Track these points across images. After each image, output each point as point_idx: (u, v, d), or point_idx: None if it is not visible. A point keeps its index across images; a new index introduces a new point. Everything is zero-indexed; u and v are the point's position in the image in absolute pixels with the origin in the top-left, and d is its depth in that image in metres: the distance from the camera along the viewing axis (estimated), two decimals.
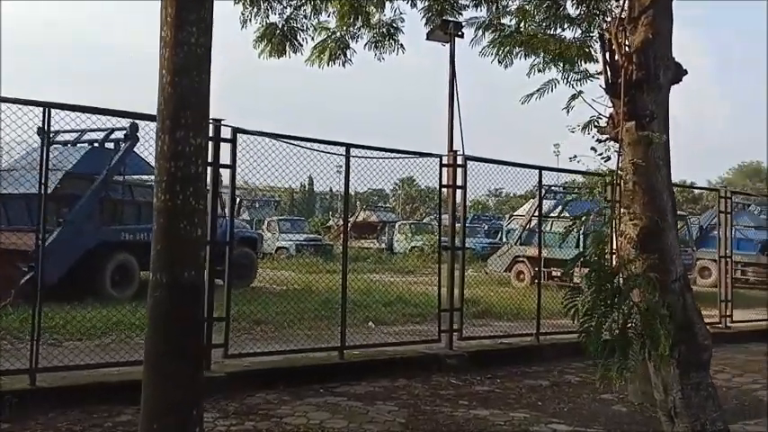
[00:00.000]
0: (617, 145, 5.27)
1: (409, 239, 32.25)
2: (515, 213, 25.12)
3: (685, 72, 5.45)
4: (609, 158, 5.25)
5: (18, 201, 12.98)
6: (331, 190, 46.74)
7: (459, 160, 9.10)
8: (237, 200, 24.72)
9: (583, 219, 5.56)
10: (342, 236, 31.59)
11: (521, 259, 20.76)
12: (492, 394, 7.71)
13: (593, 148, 5.20)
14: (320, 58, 8.93)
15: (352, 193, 44.56)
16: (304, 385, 7.32)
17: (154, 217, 4.68)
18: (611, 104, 5.32)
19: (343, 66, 8.95)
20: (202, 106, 4.71)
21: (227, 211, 10.46)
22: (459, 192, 9.33)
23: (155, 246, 4.66)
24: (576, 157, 5.34)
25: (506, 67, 8.63)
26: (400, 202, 58.72)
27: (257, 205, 33.53)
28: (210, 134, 7.10)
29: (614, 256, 5.42)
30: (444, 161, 9.06)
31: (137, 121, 11.02)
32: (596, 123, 5.47)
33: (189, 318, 4.59)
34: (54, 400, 6.14)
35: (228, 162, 7.28)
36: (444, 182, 9.13)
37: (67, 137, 14.46)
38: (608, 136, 5.37)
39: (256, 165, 7.78)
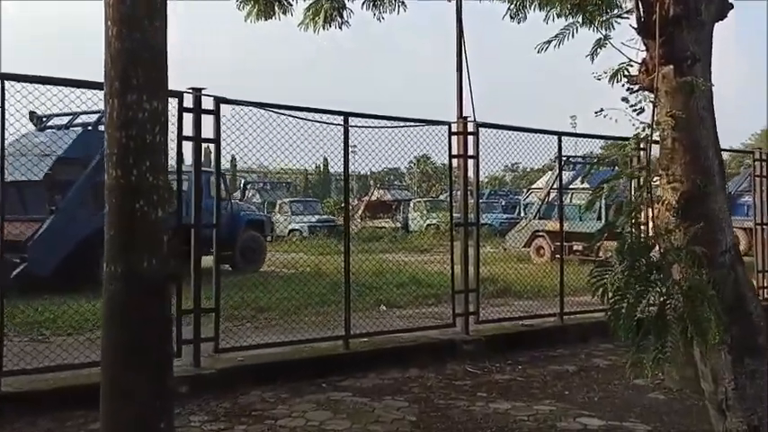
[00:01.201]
0: (652, 96, 4.47)
1: (424, 217, 31.58)
2: (533, 186, 24.27)
3: (731, 6, 4.62)
4: (642, 110, 4.44)
5: (8, 189, 12.34)
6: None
7: (471, 127, 8.30)
8: (242, 181, 24.26)
9: (610, 183, 4.77)
10: (356, 216, 30.98)
11: (540, 234, 20.00)
12: (513, 383, 6.99)
13: (624, 99, 4.39)
14: (314, 21, 8.16)
15: (367, 173, 43.98)
16: (305, 380, 6.64)
17: (105, 197, 3.98)
18: (643, 48, 4.52)
19: (340, 28, 8.18)
20: (158, 63, 3.97)
21: (210, 191, 9.89)
22: (471, 164, 8.52)
23: (107, 231, 3.97)
24: (602, 111, 4.52)
25: (519, 21, 7.81)
26: (416, 180, 57.93)
27: (268, 187, 32.90)
28: (191, 105, 6.40)
29: (650, 226, 4.65)
30: (454, 129, 8.26)
31: None
32: (626, 72, 4.66)
33: (151, 315, 3.89)
34: (22, 406, 5.49)
35: (212, 136, 6.54)
36: (454, 152, 8.34)
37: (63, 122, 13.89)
38: (641, 85, 4.57)
39: (250, 140, 7.00)
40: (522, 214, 24.37)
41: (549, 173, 20.81)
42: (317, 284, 11.64)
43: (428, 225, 30.43)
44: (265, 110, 6.82)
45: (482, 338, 8.09)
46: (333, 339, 7.50)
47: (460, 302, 8.31)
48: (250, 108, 6.72)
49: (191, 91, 6.33)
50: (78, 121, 13.63)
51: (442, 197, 38.76)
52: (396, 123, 7.84)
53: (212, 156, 7.06)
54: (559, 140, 9.37)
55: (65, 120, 13.79)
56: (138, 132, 3.85)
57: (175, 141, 6.41)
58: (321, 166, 50.76)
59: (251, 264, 16.06)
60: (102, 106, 6.76)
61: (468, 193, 8.68)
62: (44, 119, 13.93)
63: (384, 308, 11.29)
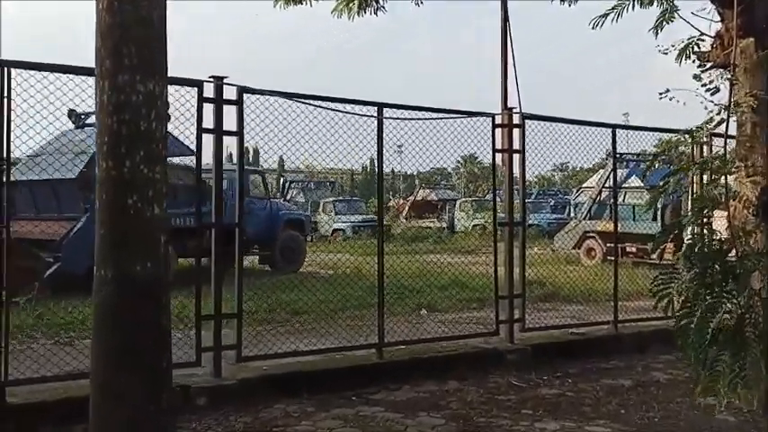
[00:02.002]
0: (728, 75, 3.82)
1: (470, 217, 30.91)
2: (584, 185, 23.37)
3: None
4: (717, 90, 3.79)
5: (44, 187, 12.22)
6: (393, 171, 45.83)
7: (516, 119, 7.67)
8: (282, 179, 23.98)
9: (676, 177, 4.13)
10: (401, 216, 30.50)
11: (591, 235, 19.16)
12: (562, 399, 6.34)
13: (696, 76, 3.75)
14: (348, 7, 7.67)
15: (413, 173, 43.26)
16: (333, 392, 6.12)
17: (96, 191, 3.54)
18: (717, 18, 3.88)
19: (375, 14, 7.68)
20: (154, 40, 3.52)
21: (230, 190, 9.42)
22: (516, 160, 7.88)
23: (98, 229, 3.53)
24: (667, 92, 3.89)
25: (570, 3, 7.19)
26: (463, 180, 57.16)
27: (312, 186, 32.64)
28: (212, 95, 5.95)
29: (723, 226, 4.00)
30: (498, 121, 7.64)
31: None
32: (696, 46, 4.02)
33: (144, 320, 3.45)
34: (29, 417, 5.10)
35: (234, 128, 6.08)
36: (498, 145, 7.72)
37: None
38: (714, 62, 3.92)
39: (276, 132, 6.49)
40: (572, 214, 23.50)
41: (601, 171, 19.94)
42: (356, 286, 11.16)
43: (474, 225, 29.85)
44: (293, 100, 6.33)
45: (528, 348, 7.45)
46: (365, 348, 6.97)
47: (504, 308, 7.69)
48: (276, 99, 6.24)
49: (211, 80, 5.88)
50: None
51: (488, 197, 38.08)
52: (433, 115, 7.27)
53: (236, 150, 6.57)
54: (613, 133, 8.65)
55: None
56: (131, 118, 3.40)
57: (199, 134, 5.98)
58: (367, 165, 50.53)
59: (290, 264, 15.69)
60: None
61: (515, 191, 8.05)
62: (83, 116, 13.80)
63: (425, 312, 10.75)
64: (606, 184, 18.47)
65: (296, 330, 8.89)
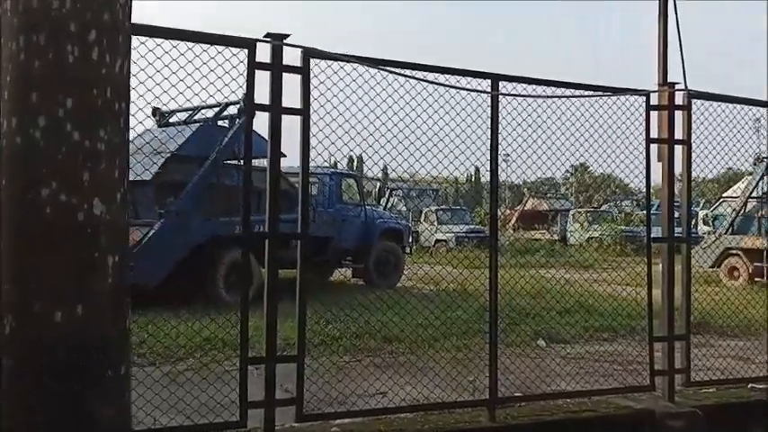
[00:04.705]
0: None
1: (586, 229, 28.45)
2: (725, 195, 20.57)
3: None
4: None
5: None
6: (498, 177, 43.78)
7: (679, 98, 5.72)
8: (379, 186, 22.51)
9: None
10: (508, 226, 28.65)
11: (734, 252, 16.53)
12: None
13: None
14: None
15: (520, 182, 41.06)
16: None
17: None
18: None
19: None
20: None
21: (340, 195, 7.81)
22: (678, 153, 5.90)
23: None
24: None
25: None
26: (572, 188, 54.30)
27: (414, 194, 31.09)
28: (268, 59, 4.40)
29: None
30: (653, 101, 5.71)
31: None
32: None
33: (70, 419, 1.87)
34: None
35: (299, 105, 4.51)
36: (654, 134, 5.76)
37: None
38: None
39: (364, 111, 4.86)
40: (706, 228, 20.80)
41: (748, 177, 17.23)
42: (461, 307, 9.46)
43: (589, 238, 27.44)
44: (378, 69, 4.70)
45: (697, 411, 5.41)
46: (471, 405, 5.19)
47: (659, 351, 5.72)
48: (354, 67, 4.63)
49: (267, 39, 4.34)
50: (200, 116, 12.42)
51: (604, 207, 35.26)
52: (564, 91, 5.43)
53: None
54: None
55: (187, 115, 12.67)
56: (49, 42, 1.84)
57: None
58: (472, 173, 48.77)
59: (386, 278, 14.14)
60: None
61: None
62: (167, 114, 12.88)
63: (543, 343, 8.91)
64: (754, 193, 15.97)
65: (385, 364, 7.29)
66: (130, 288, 2.16)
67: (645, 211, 6.18)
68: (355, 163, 34.92)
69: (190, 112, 12.35)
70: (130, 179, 9.14)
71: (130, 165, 8.96)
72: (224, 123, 11.96)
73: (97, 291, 1.93)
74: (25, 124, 1.84)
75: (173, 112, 12.79)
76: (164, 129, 12.37)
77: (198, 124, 11.99)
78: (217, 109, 11.89)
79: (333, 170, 14.69)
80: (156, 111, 12.64)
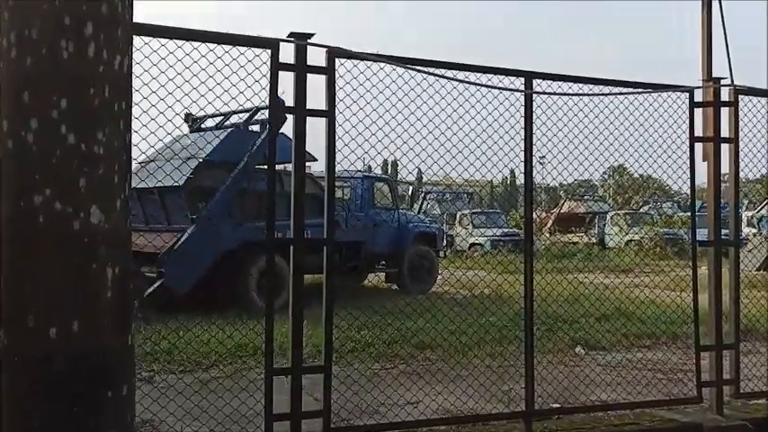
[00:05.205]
0: None
1: (624, 232, 27.81)
2: None
3: None
4: None
5: (151, 195, 11.24)
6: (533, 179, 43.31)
7: (725, 95, 5.43)
8: (412, 190, 22.32)
9: None
10: (544, 229, 28.18)
11: None
12: None
13: None
14: None
15: (556, 185, 40.52)
16: None
17: None
18: None
19: None
20: None
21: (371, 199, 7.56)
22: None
23: None
24: None
25: None
26: (610, 191, 53.29)
27: (448, 197, 30.76)
28: (292, 60, 4.26)
29: None
30: (698, 97, 5.43)
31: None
32: None
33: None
34: None
35: (324, 107, 4.35)
36: (698, 131, 5.48)
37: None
38: None
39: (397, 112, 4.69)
40: (752, 230, 20.14)
41: None
42: (496, 313, 9.20)
43: (628, 241, 26.80)
44: (406, 68, 4.52)
45: (747, 425, 5.12)
46: (506, 417, 4.97)
47: (705, 361, 5.44)
48: (381, 67, 4.46)
49: (291, 39, 4.20)
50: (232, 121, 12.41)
51: (644, 209, 34.44)
52: (602, 88, 5.18)
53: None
54: None
55: (219, 120, 12.68)
56: (39, 35, 1.71)
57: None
58: (507, 177, 48.23)
59: (419, 283, 13.92)
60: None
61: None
62: (199, 119, 12.89)
63: (581, 350, 8.63)
64: None
65: (417, 372, 7.10)
66: (132, 303, 2.00)
67: (687, 213, 5.91)
68: (389, 167, 34.84)
69: (221, 117, 12.34)
70: (165, 185, 9.08)
71: (165, 170, 8.89)
72: (256, 128, 11.90)
73: (95, 305, 1.80)
74: (17, 126, 1.72)
75: (205, 118, 12.79)
76: (197, 134, 12.35)
77: (229, 129, 11.95)
78: (246, 115, 11.83)
79: (365, 174, 14.54)
80: (188, 116, 12.66)
